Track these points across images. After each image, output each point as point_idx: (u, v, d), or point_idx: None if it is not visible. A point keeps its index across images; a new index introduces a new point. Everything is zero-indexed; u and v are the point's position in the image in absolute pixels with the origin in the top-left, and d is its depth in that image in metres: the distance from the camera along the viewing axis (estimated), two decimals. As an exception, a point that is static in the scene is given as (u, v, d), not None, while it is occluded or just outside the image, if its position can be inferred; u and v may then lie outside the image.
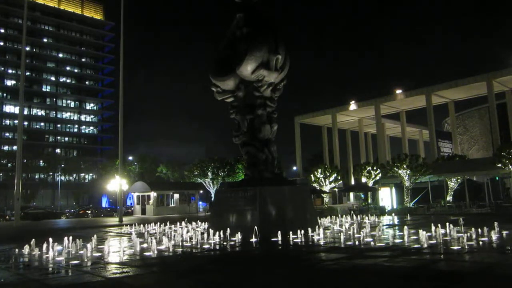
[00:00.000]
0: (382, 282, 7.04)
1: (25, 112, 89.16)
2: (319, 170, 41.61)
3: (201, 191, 56.24)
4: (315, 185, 41.22)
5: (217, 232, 14.68)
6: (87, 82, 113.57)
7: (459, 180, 36.33)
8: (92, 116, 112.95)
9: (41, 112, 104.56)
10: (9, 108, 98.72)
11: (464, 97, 62.98)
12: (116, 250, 12.09)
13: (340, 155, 73.02)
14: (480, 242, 11.39)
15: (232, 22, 18.46)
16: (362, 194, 50.17)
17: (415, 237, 12.80)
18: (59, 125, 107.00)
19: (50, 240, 12.22)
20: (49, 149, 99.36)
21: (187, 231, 16.89)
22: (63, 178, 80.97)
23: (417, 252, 10.14)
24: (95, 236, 14.30)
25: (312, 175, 41.89)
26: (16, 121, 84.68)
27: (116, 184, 40.98)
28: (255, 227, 14.25)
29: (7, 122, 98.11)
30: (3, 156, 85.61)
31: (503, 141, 48.18)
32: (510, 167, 31.20)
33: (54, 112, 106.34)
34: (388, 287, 6.75)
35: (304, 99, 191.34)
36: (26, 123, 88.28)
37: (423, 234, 11.73)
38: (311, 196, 23.71)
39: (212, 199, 36.02)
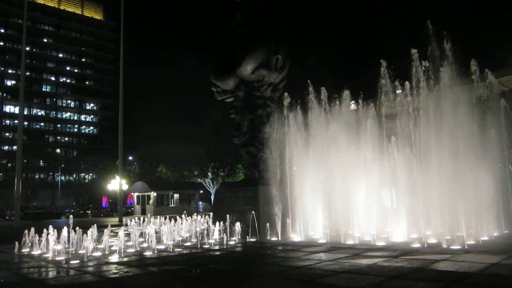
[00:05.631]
0: (382, 282, 7.07)
1: (25, 112, 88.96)
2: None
3: (201, 191, 56.23)
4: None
5: (217, 232, 14.70)
6: (87, 82, 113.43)
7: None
8: (92, 116, 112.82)
9: (41, 112, 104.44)
10: (9, 108, 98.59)
11: (464, 97, 62.92)
12: (116, 249, 12.12)
13: (340, 155, 72.82)
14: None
15: (232, 22, 18.48)
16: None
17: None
18: (59, 125, 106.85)
19: (50, 240, 12.23)
20: (49, 149, 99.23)
21: (187, 231, 16.88)
22: (63, 178, 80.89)
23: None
24: (95, 236, 14.30)
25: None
26: (16, 121, 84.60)
27: (116, 184, 40.97)
28: (255, 226, 14.28)
29: (7, 122, 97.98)
30: (3, 156, 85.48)
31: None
32: (510, 167, 31.19)
33: (54, 112, 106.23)
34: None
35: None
36: (26, 123, 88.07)
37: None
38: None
39: (212, 199, 35.99)
